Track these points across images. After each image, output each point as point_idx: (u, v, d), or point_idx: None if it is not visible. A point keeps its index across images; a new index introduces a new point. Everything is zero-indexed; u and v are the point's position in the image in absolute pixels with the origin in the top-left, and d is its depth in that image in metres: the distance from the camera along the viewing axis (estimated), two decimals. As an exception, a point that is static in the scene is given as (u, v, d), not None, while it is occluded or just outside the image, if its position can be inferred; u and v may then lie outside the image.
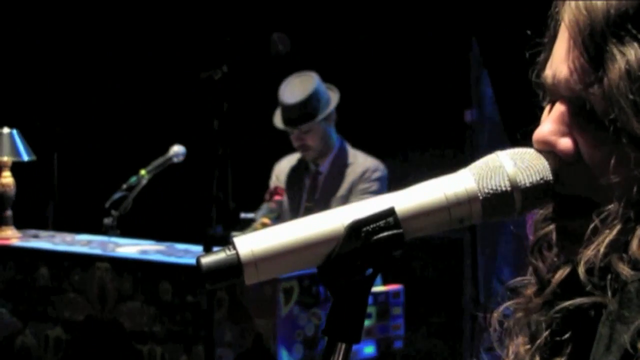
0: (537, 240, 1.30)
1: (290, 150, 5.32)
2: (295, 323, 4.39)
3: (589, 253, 1.14)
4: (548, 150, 1.20)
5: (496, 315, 1.34)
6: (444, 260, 6.40)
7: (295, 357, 4.38)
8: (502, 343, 1.33)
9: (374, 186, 5.11)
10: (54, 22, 7.57)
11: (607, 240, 1.12)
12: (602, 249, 1.12)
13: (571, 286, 1.22)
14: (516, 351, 1.30)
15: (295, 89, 5.09)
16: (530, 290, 1.30)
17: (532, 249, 1.31)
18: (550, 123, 1.21)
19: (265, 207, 5.16)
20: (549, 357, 1.26)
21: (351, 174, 5.16)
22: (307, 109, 5.06)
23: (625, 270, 1.11)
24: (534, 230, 1.31)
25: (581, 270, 1.14)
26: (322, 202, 5.10)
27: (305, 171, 5.28)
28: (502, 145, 1.27)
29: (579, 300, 1.17)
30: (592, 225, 1.14)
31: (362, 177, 5.14)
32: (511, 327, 1.31)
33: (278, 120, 5.17)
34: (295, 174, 5.30)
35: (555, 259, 1.28)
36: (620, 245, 1.12)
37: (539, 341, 1.26)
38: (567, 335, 1.24)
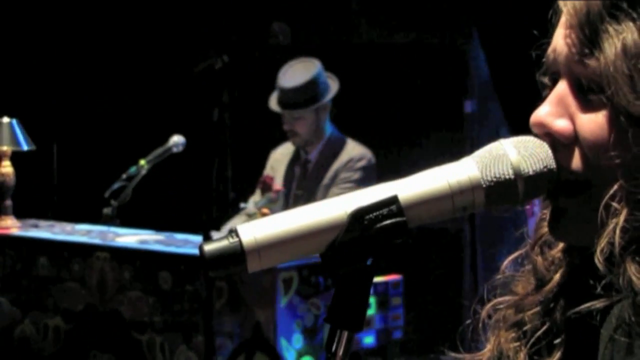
0: (539, 237, 1.30)
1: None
2: (295, 313, 4.39)
3: (602, 242, 1.13)
4: (545, 133, 1.20)
5: (488, 307, 1.33)
6: (443, 251, 6.39)
7: (294, 347, 4.39)
8: (485, 334, 1.32)
9: (356, 175, 5.11)
10: (54, 12, 7.56)
11: (618, 228, 1.11)
12: (617, 238, 1.11)
13: (572, 287, 1.22)
14: (500, 346, 1.29)
15: (295, 73, 5.11)
16: (522, 288, 1.30)
17: (534, 245, 1.30)
18: (546, 105, 1.21)
19: (265, 197, 5.16)
20: (538, 358, 1.26)
21: (337, 163, 5.16)
22: (303, 95, 5.08)
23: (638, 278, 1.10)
24: (536, 227, 1.31)
25: (599, 260, 1.13)
26: (309, 190, 5.12)
27: (297, 159, 5.29)
28: (502, 135, 1.27)
29: (587, 305, 1.16)
30: (601, 206, 1.13)
31: (345, 166, 5.14)
32: (500, 320, 1.30)
33: (273, 101, 5.19)
34: (288, 162, 5.31)
35: (556, 258, 1.27)
36: (633, 236, 1.11)
37: (531, 340, 1.26)
38: (561, 338, 1.24)
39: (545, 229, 1.28)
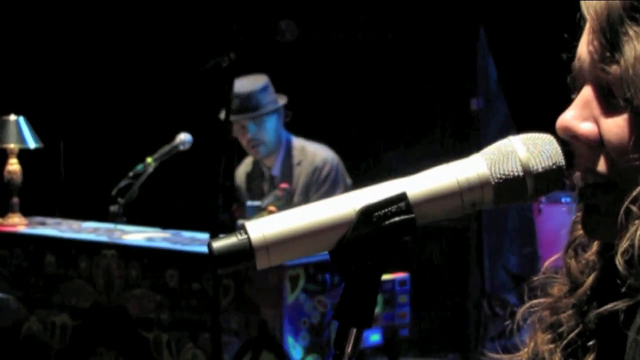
0: (572, 240, 1.30)
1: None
2: (301, 311, 4.39)
3: (624, 244, 1.13)
4: (571, 136, 1.20)
5: (523, 309, 1.33)
6: (450, 249, 6.39)
7: (301, 344, 4.39)
8: (519, 335, 1.32)
9: (326, 185, 5.05)
10: (60, 9, 7.57)
11: (639, 231, 1.12)
12: (636, 241, 1.11)
13: (604, 289, 1.22)
14: (536, 348, 1.29)
15: (248, 81, 5.03)
16: (558, 290, 1.30)
17: (567, 248, 1.30)
18: (571, 109, 1.21)
19: (272, 194, 5.15)
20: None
21: (302, 174, 5.07)
22: (262, 97, 5.01)
23: None
24: (570, 229, 1.31)
25: (619, 261, 1.13)
26: (284, 205, 5.06)
27: (260, 176, 5.23)
28: (508, 133, 1.27)
29: (610, 306, 1.16)
30: (622, 209, 1.13)
31: (312, 178, 5.06)
32: (536, 321, 1.30)
33: (228, 113, 5.08)
34: (253, 181, 5.25)
35: (590, 261, 1.27)
36: None
37: (564, 342, 1.26)
38: (593, 341, 1.24)
39: (579, 232, 1.28)
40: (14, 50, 7.48)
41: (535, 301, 1.32)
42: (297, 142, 5.16)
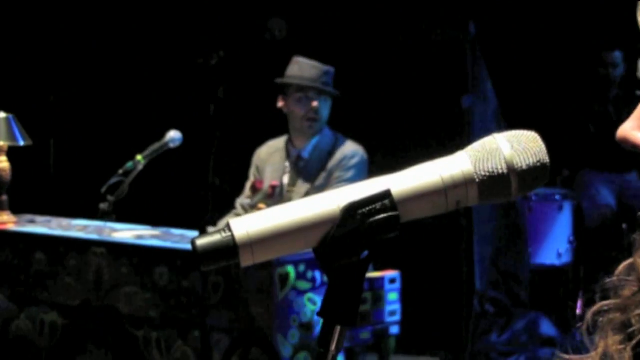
0: None
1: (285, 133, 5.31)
2: (291, 308, 4.39)
3: None
4: (631, 146, 1.20)
5: (594, 309, 1.31)
6: (440, 246, 6.40)
7: (291, 342, 4.38)
8: (590, 337, 1.31)
9: (349, 173, 5.08)
10: (51, 7, 7.55)
11: None
12: None
13: None
14: (606, 350, 1.29)
15: (317, 63, 5.14)
16: (628, 291, 1.29)
17: (638, 249, 1.30)
18: (631, 120, 1.22)
19: (261, 192, 5.15)
20: None
21: (331, 162, 5.13)
22: (329, 78, 5.12)
23: None
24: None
25: None
26: (302, 188, 5.08)
27: (287, 157, 5.24)
28: (499, 130, 1.26)
29: None
30: None
31: (339, 165, 5.11)
32: (606, 323, 1.30)
33: (299, 76, 5.13)
34: (276, 160, 5.27)
35: None
36: None
37: (633, 342, 1.25)
38: None
39: None
40: (4, 48, 7.47)
41: (604, 302, 1.31)
42: (333, 134, 5.21)
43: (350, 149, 5.15)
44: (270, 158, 5.28)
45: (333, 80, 5.16)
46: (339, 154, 5.13)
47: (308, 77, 5.10)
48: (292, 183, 5.16)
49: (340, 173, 5.09)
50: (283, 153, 5.24)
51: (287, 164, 5.21)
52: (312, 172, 5.14)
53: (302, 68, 5.12)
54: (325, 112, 5.14)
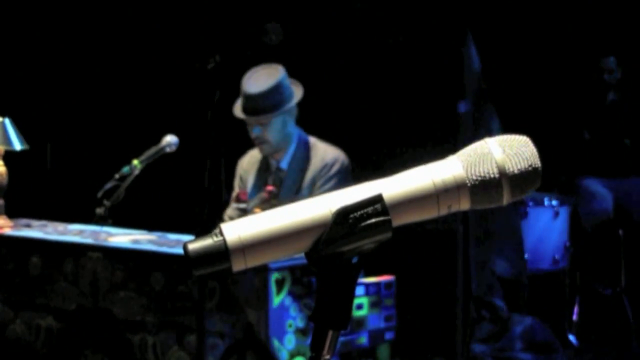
0: None
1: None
2: (287, 313, 4.39)
3: None
4: None
5: None
6: (436, 252, 6.39)
7: (286, 347, 4.38)
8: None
9: (332, 181, 5.06)
10: (49, 13, 7.55)
11: None
12: None
13: None
14: None
15: (259, 79, 5.06)
16: None
17: None
18: None
19: (257, 196, 5.15)
20: None
21: (312, 170, 5.11)
22: (268, 100, 5.03)
23: None
24: None
25: None
26: (286, 199, 5.07)
27: (266, 168, 5.24)
28: (495, 135, 1.27)
29: None
30: None
31: (320, 173, 5.09)
32: None
33: (238, 109, 5.13)
34: (258, 171, 5.26)
35: None
36: None
37: None
38: None
39: None
40: (1, 52, 7.47)
41: None
42: (310, 139, 5.17)
43: (330, 156, 5.11)
44: (251, 168, 5.27)
45: (286, 88, 5.09)
46: (319, 162, 5.10)
47: (244, 105, 5.05)
48: (275, 193, 5.15)
49: (322, 181, 5.08)
50: (262, 166, 5.24)
51: (269, 177, 5.20)
52: (293, 182, 5.13)
53: (246, 89, 5.04)
54: (273, 132, 5.08)
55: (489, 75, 6.28)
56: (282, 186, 5.15)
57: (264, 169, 5.23)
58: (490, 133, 6.21)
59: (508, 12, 6.48)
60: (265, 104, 5.02)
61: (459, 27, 6.21)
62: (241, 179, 5.30)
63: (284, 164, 5.15)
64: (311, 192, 5.06)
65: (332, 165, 5.09)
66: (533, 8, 6.59)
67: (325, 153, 5.12)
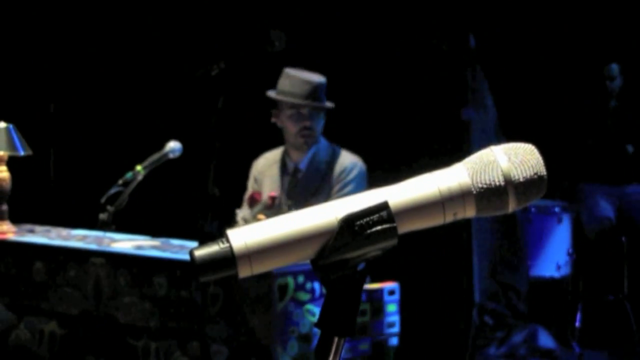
0: None
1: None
2: (290, 319, 4.39)
3: None
4: None
5: None
6: (439, 258, 6.39)
7: (289, 353, 4.38)
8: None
9: (350, 186, 5.08)
10: (52, 17, 7.56)
11: None
12: None
13: None
14: None
15: (310, 74, 5.12)
16: None
17: None
18: None
19: (261, 203, 5.15)
20: None
21: (329, 174, 5.12)
22: (323, 93, 5.09)
23: None
24: None
25: None
26: (302, 201, 5.07)
27: (284, 169, 5.24)
28: (499, 142, 1.27)
29: None
30: None
31: (339, 178, 5.11)
32: None
33: (291, 96, 5.09)
34: (274, 171, 5.27)
35: None
36: None
37: None
38: None
39: None
40: (4, 58, 7.48)
41: None
42: (330, 145, 5.19)
43: (349, 161, 5.14)
44: (267, 170, 5.28)
45: (325, 91, 5.14)
46: (338, 166, 5.12)
47: (299, 93, 5.06)
48: (291, 195, 5.16)
49: (340, 186, 5.09)
50: (280, 165, 5.24)
51: (285, 177, 5.21)
52: (310, 184, 5.14)
53: (294, 83, 5.08)
54: (318, 126, 5.13)
55: (493, 83, 6.28)
56: (298, 186, 5.16)
57: (282, 167, 5.24)
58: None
59: (512, 20, 6.49)
60: (323, 94, 5.06)
61: (461, 32, 6.22)
62: (255, 180, 5.31)
63: (302, 165, 5.17)
64: (328, 196, 5.07)
65: (351, 170, 5.11)
66: (537, 16, 6.60)
67: (344, 158, 5.15)
